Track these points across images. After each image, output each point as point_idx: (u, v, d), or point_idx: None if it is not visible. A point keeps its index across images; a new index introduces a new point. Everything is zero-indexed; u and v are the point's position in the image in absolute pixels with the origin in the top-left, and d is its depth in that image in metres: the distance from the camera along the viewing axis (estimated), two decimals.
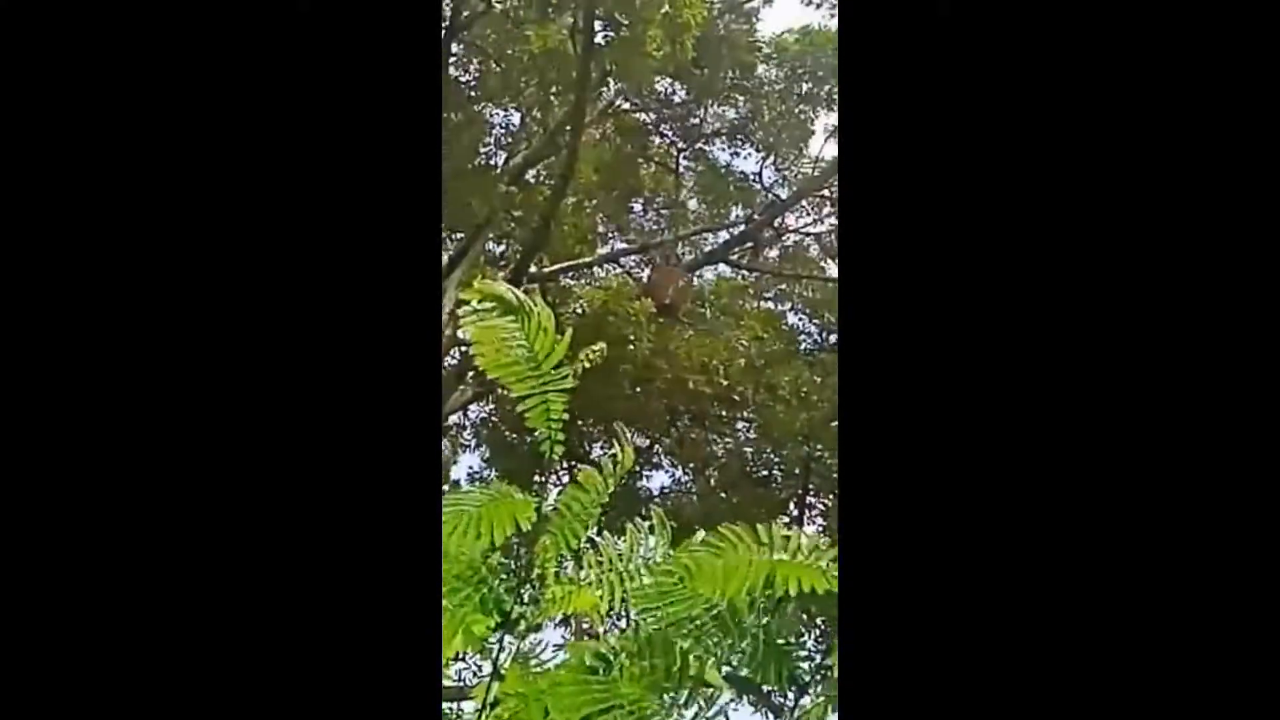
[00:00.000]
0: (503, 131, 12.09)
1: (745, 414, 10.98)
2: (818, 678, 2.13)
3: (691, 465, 11.22)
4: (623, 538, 2.17)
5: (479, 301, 1.94)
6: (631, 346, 9.86)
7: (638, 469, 11.07)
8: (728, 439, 11.25)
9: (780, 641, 2.08)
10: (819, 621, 6.96)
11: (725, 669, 2.07)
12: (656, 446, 11.28)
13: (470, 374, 9.93)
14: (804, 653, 2.12)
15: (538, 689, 1.99)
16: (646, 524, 2.22)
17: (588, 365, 1.99)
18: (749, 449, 11.18)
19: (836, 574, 1.90)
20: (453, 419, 11.28)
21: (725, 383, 10.24)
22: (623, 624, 2.21)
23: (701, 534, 2.06)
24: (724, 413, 10.94)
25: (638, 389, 10.20)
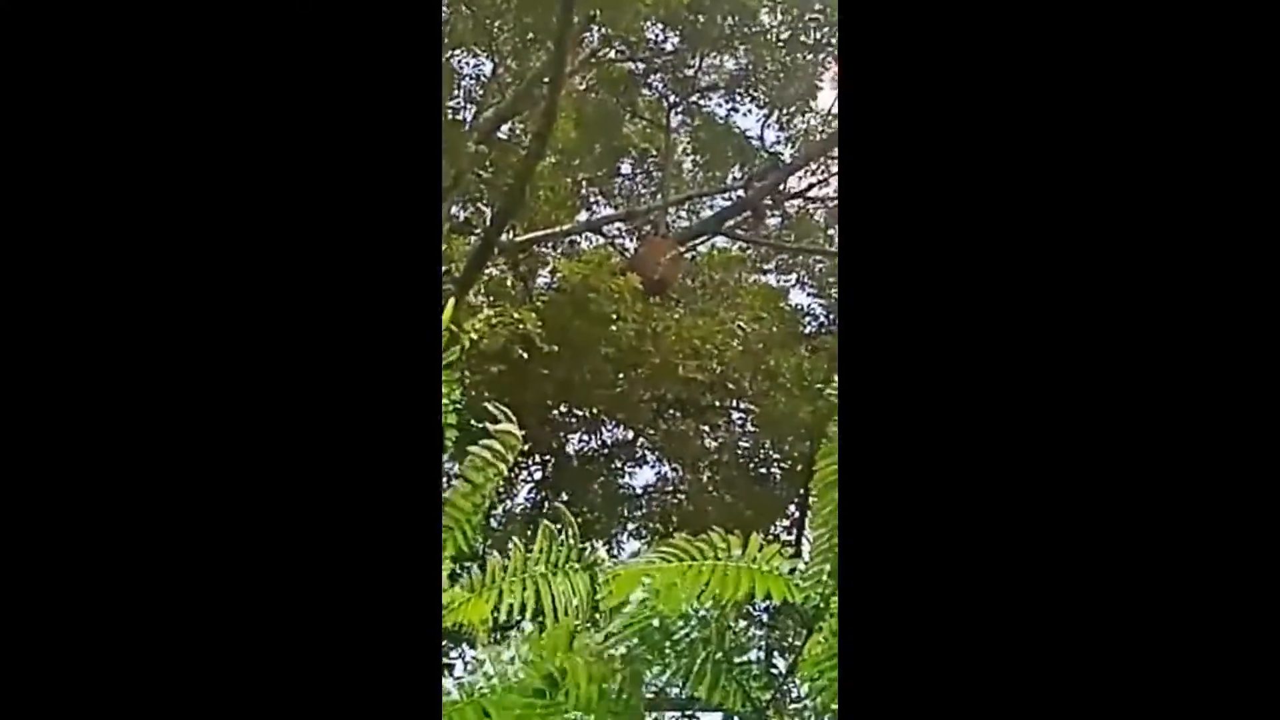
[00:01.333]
0: (473, 82, 11.95)
1: (742, 404, 10.88)
2: (777, 698, 2.15)
3: (681, 461, 11.02)
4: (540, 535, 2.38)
5: None
6: (615, 327, 9.55)
7: (620, 465, 11.23)
8: (722, 432, 11.13)
9: (738, 661, 2.18)
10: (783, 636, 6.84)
11: (676, 690, 2.20)
12: (641, 439, 11.10)
13: None
14: (761, 671, 2.22)
15: (473, 701, 2.12)
16: (555, 524, 2.42)
17: (474, 338, 2.17)
18: (746, 443, 11.03)
19: (800, 582, 2.16)
20: None
21: (720, 369, 10.08)
22: (574, 644, 2.31)
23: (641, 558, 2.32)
24: (718, 402, 10.84)
25: (621, 375, 9.92)
